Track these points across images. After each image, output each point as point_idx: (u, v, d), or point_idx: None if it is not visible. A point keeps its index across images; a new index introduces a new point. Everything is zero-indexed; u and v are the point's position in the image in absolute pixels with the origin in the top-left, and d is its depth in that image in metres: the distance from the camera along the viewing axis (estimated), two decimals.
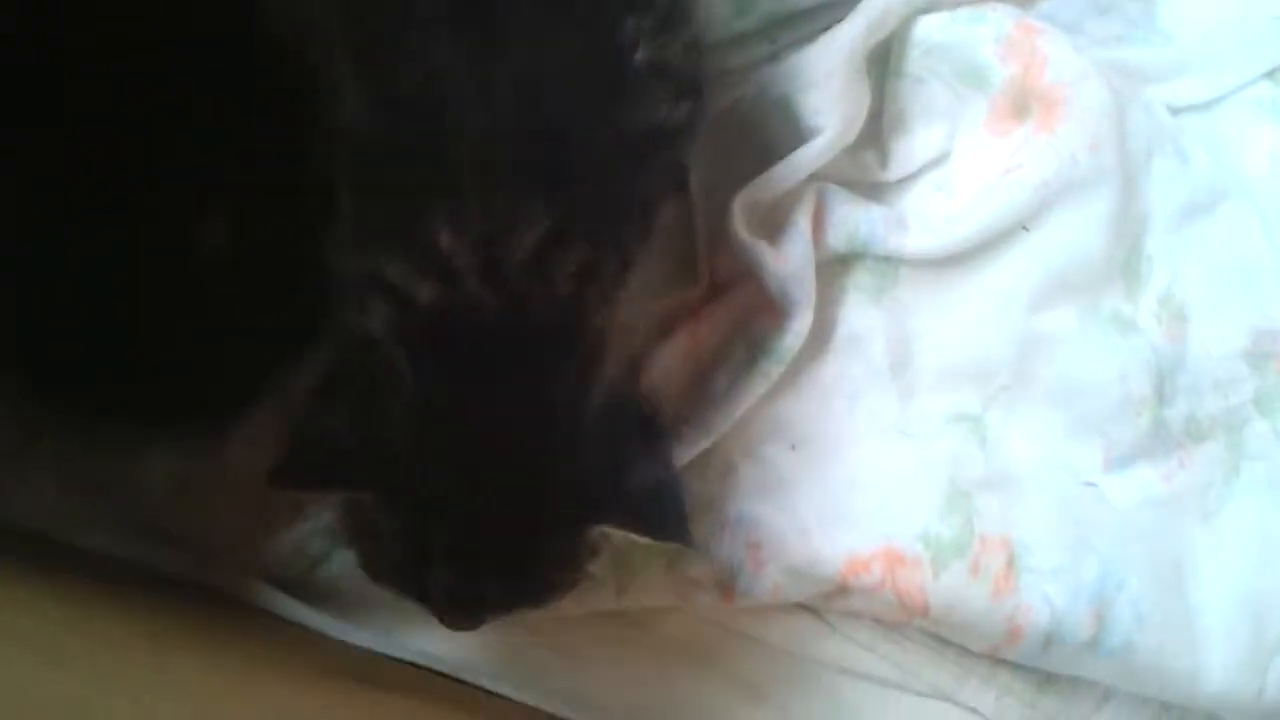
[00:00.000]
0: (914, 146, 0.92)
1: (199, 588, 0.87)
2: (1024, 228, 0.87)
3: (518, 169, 0.66)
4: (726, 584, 0.85)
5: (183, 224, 0.83)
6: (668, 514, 0.69)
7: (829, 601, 0.86)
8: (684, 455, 0.85)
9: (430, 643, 0.85)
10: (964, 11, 0.91)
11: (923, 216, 0.89)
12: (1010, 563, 0.84)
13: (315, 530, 0.87)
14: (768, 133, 0.89)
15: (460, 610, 0.72)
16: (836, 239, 0.88)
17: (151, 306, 0.82)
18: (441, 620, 0.72)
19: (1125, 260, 0.88)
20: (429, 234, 0.66)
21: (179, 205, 0.82)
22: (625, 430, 0.71)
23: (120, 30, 0.80)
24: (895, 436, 0.86)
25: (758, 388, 0.86)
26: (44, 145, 0.79)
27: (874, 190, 0.91)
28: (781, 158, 0.86)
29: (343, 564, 0.86)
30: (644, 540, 0.69)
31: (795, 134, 0.87)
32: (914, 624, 0.86)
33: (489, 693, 0.85)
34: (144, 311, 0.82)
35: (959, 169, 0.91)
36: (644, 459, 0.71)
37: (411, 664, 0.86)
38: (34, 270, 0.81)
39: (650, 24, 0.69)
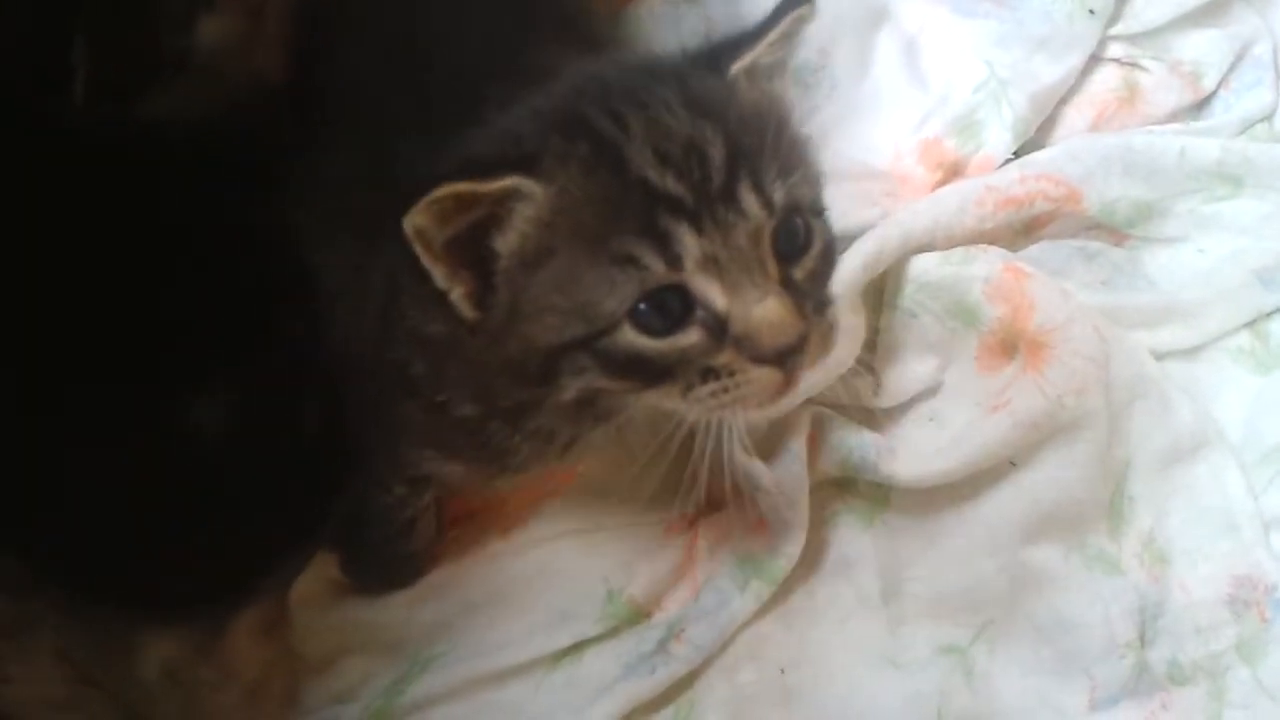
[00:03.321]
0: (906, 377, 0.95)
1: None
2: (1011, 463, 0.90)
3: None
4: None
5: (179, 409, 0.85)
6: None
7: None
8: (672, 672, 0.86)
9: None
10: (956, 253, 0.96)
11: (914, 445, 0.92)
12: None
13: None
14: None
15: None
16: (830, 463, 0.91)
17: (149, 493, 0.84)
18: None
19: (1109, 500, 0.91)
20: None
21: (175, 388, 0.85)
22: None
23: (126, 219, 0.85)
24: (884, 665, 0.87)
25: (749, 607, 0.87)
26: (45, 330, 0.82)
27: (867, 417, 0.94)
28: None
29: None
30: None
31: None
32: None
33: None
34: (142, 498, 0.84)
35: (949, 401, 0.94)
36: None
37: None
38: (32, 453, 0.83)
39: None
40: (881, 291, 0.96)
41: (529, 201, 0.65)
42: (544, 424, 0.74)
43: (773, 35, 0.70)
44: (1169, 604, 0.89)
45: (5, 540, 0.85)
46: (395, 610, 0.93)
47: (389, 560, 0.94)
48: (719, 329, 0.65)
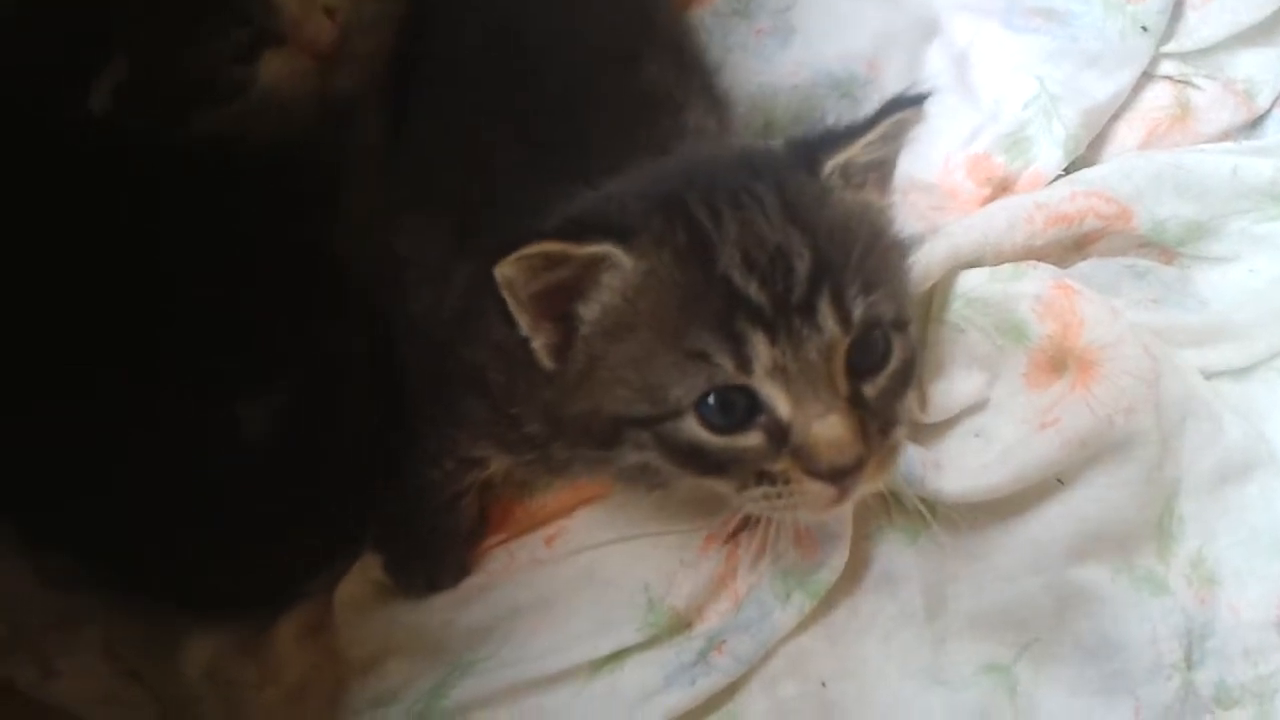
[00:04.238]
0: (952, 392, 0.94)
1: None
2: (1059, 481, 0.89)
3: None
4: None
5: (225, 413, 0.87)
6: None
7: None
8: (713, 684, 0.86)
9: None
10: (1005, 268, 0.95)
11: (960, 461, 0.91)
12: None
13: None
14: None
15: None
16: None
17: (197, 494, 0.85)
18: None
19: (1158, 520, 0.90)
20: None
21: (221, 393, 0.86)
22: None
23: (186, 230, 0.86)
24: (928, 682, 0.87)
25: (791, 620, 0.87)
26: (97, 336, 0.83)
27: (913, 431, 0.94)
28: None
29: None
30: None
31: None
32: None
33: None
34: (190, 499, 0.85)
35: (997, 417, 0.93)
36: None
37: None
38: (89, 455, 0.84)
39: None
40: (929, 306, 0.96)
41: (617, 272, 0.67)
42: None
43: (872, 135, 0.70)
44: (1217, 625, 0.88)
45: (57, 537, 0.87)
46: (438, 613, 0.93)
47: (432, 554, 0.95)
48: (780, 436, 0.66)
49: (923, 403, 0.94)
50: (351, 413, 0.90)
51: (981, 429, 0.93)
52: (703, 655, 0.88)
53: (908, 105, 0.71)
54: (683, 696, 0.86)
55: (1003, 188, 1.04)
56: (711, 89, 0.97)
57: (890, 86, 1.10)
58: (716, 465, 0.68)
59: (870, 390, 0.68)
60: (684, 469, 0.70)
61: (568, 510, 0.96)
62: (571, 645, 0.90)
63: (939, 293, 0.95)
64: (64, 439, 0.82)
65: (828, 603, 0.88)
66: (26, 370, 0.82)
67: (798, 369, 0.65)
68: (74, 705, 0.88)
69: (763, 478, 0.68)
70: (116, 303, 0.82)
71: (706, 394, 0.65)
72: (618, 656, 0.89)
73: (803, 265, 0.65)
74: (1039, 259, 0.98)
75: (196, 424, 0.84)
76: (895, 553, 0.90)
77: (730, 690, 0.87)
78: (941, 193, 1.04)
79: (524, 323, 0.68)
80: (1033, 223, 0.98)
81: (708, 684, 0.86)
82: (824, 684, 0.87)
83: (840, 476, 0.66)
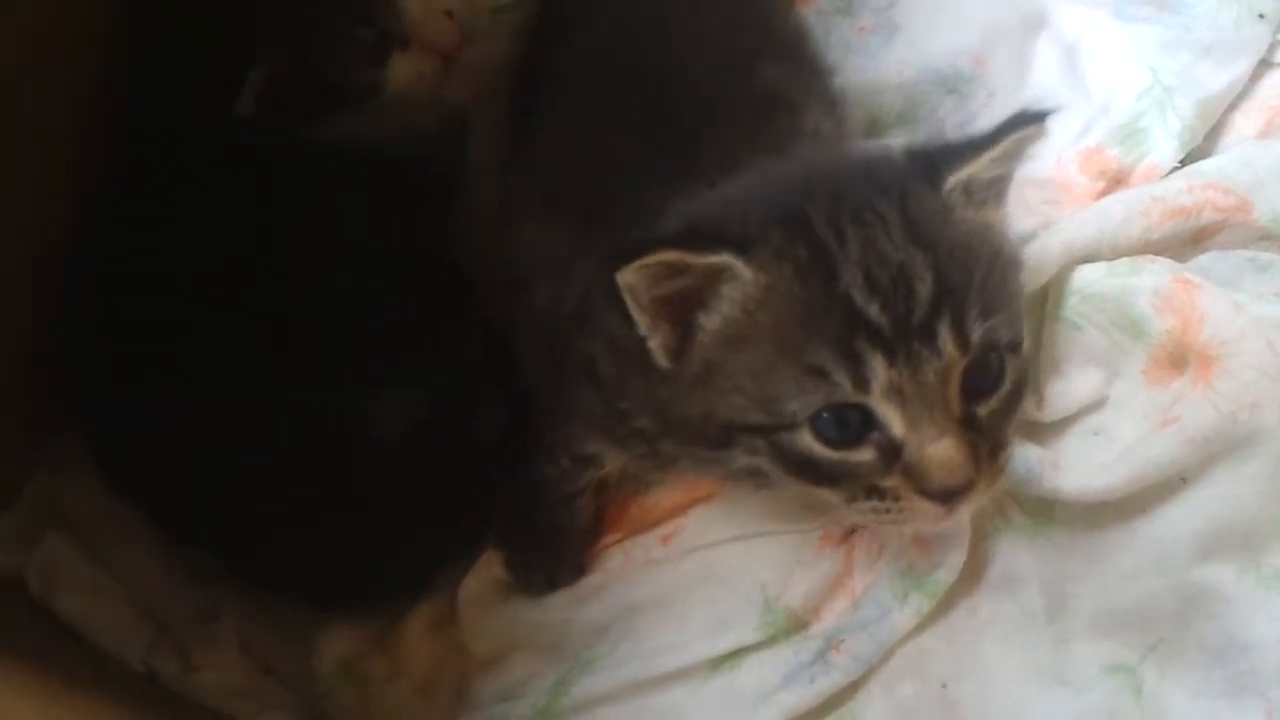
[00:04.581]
0: (1070, 390, 0.94)
1: None
2: (1182, 479, 0.88)
3: None
4: None
5: (361, 412, 0.89)
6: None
7: None
8: (833, 683, 0.86)
9: None
10: (1122, 263, 0.94)
11: (1079, 460, 0.90)
12: None
13: None
14: None
15: None
16: None
17: (333, 491, 0.88)
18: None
19: None
20: None
21: (357, 393, 0.89)
22: None
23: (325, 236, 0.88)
24: (1050, 683, 0.86)
25: (909, 620, 0.87)
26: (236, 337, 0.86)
27: (1030, 430, 0.93)
28: None
29: None
30: None
31: None
32: None
33: None
34: (326, 496, 0.88)
35: (1116, 415, 0.92)
36: None
37: None
38: (229, 455, 0.88)
39: None
40: (1044, 303, 0.95)
41: (737, 283, 0.67)
42: None
43: (995, 151, 0.70)
44: None
45: (198, 535, 0.90)
46: (557, 611, 0.95)
47: (551, 552, 0.97)
48: (892, 454, 0.67)
49: (1040, 401, 0.93)
50: (479, 411, 0.92)
51: (1100, 427, 0.93)
52: (821, 655, 0.88)
53: (1030, 122, 0.70)
54: (802, 695, 0.87)
55: (1117, 181, 1.03)
56: (828, 89, 0.97)
57: (998, 82, 1.10)
58: (828, 477, 0.69)
59: (983, 411, 0.69)
60: (794, 477, 0.71)
61: (682, 509, 0.97)
62: (689, 644, 0.91)
63: (1054, 289, 0.95)
64: (206, 439, 0.85)
65: (946, 603, 0.88)
66: (170, 369, 0.85)
67: (914, 390, 0.65)
68: (213, 698, 0.91)
69: (872, 492, 0.69)
70: (256, 303, 0.85)
71: (822, 409, 0.66)
72: (735, 655, 0.90)
73: (924, 288, 0.65)
74: (1156, 253, 0.96)
75: (333, 423, 0.86)
76: (1014, 552, 0.89)
77: (850, 690, 0.88)
78: (1055, 187, 1.02)
79: (642, 323, 0.69)
80: (1149, 216, 0.97)
81: (827, 683, 0.87)
82: (944, 685, 0.87)
83: (949, 497, 0.67)
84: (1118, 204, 0.99)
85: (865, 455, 0.68)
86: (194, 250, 0.88)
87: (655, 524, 0.98)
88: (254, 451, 0.85)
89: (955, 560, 0.88)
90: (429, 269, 0.92)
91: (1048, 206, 1.02)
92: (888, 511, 0.69)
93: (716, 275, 0.67)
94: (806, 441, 0.68)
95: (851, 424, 0.67)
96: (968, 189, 0.71)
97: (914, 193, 0.69)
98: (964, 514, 0.70)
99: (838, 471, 0.69)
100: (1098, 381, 0.93)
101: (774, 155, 0.78)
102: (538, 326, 0.86)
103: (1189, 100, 1.05)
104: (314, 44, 0.86)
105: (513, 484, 0.96)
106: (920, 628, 0.88)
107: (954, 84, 1.12)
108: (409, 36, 0.90)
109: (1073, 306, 0.94)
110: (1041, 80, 1.10)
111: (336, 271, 0.87)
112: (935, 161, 0.70)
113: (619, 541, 0.99)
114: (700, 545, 0.95)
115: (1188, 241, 0.99)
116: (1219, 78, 1.06)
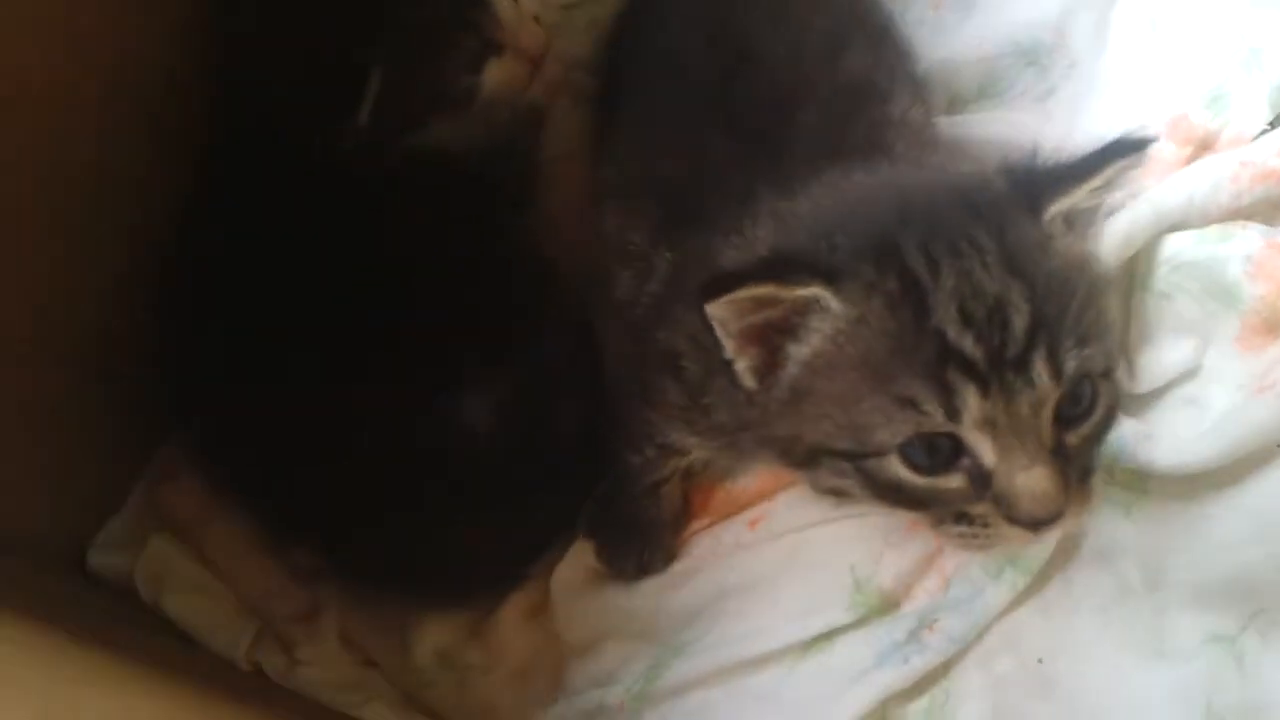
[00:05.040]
0: (1162, 360, 0.92)
1: None
2: (1278, 446, 0.86)
3: None
4: None
5: (453, 409, 0.91)
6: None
7: None
8: (927, 661, 0.86)
9: None
10: (1212, 230, 0.92)
11: (1173, 431, 0.89)
12: None
13: (572, 711, 0.90)
14: None
15: None
16: None
17: (429, 486, 0.90)
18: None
19: None
20: None
21: (448, 390, 0.90)
22: None
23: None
24: (1149, 655, 0.85)
25: (1003, 597, 0.86)
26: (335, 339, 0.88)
27: (1123, 402, 0.91)
28: None
29: None
30: None
31: None
32: None
33: None
34: (423, 491, 0.90)
35: (1210, 384, 0.90)
36: None
37: None
38: (330, 452, 0.90)
39: None
40: (1133, 274, 0.94)
41: (826, 315, 0.67)
42: None
43: (1096, 180, 0.69)
44: None
45: (299, 532, 0.93)
46: (649, 598, 0.96)
47: (640, 540, 0.98)
48: (982, 481, 0.67)
49: (1132, 373, 0.92)
50: (567, 403, 0.93)
51: (1194, 397, 0.91)
52: (914, 634, 0.88)
53: (1131, 150, 0.69)
54: (897, 675, 0.87)
55: (1204, 147, 1.00)
56: (914, 74, 0.97)
57: (1079, 51, 1.08)
58: (916, 501, 0.69)
59: (1073, 439, 0.68)
60: (881, 500, 0.70)
61: (769, 494, 0.98)
62: (780, 626, 0.91)
63: (1143, 259, 0.93)
64: (305, 440, 0.87)
65: (1041, 577, 0.87)
66: (269, 371, 0.88)
67: (1006, 421, 0.65)
68: (318, 691, 0.94)
69: (961, 517, 0.68)
70: (352, 305, 0.87)
71: (911, 438, 0.66)
72: (828, 636, 0.91)
73: (1020, 320, 0.64)
74: (1246, 218, 0.94)
75: (426, 419, 0.88)
76: (1109, 526, 0.88)
77: (945, 667, 0.88)
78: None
79: (730, 348, 0.69)
80: (1238, 181, 0.94)
81: (921, 662, 0.87)
82: (1040, 661, 0.86)
83: (1038, 525, 0.67)
84: (1206, 170, 0.96)
85: (955, 482, 0.67)
86: (290, 254, 0.90)
87: (743, 509, 0.98)
88: (352, 450, 0.88)
89: (1050, 535, 0.86)
90: (510, 264, 0.93)
91: (1135, 176, 1.00)
92: (975, 536, 0.69)
93: (806, 307, 0.67)
94: (895, 468, 0.67)
95: (942, 451, 0.67)
96: (1068, 219, 0.70)
97: (1013, 221, 0.68)
98: (1052, 537, 0.69)
99: (926, 497, 0.68)
100: (1190, 350, 0.91)
101: (863, 145, 0.78)
102: (618, 316, 0.87)
103: (1276, 61, 1.02)
104: (422, 53, 0.88)
105: (602, 473, 0.97)
106: (1015, 603, 0.88)
107: (1034, 56, 1.10)
108: (504, 43, 0.92)
109: (1163, 276, 0.92)
110: (1122, 47, 1.07)
111: (425, 272, 0.89)
112: (1037, 190, 0.69)
113: (708, 527, 0.99)
114: (788, 530, 0.96)
115: (1278, 206, 0.96)
116: None
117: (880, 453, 0.67)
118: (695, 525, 1.00)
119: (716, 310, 0.66)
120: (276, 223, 0.90)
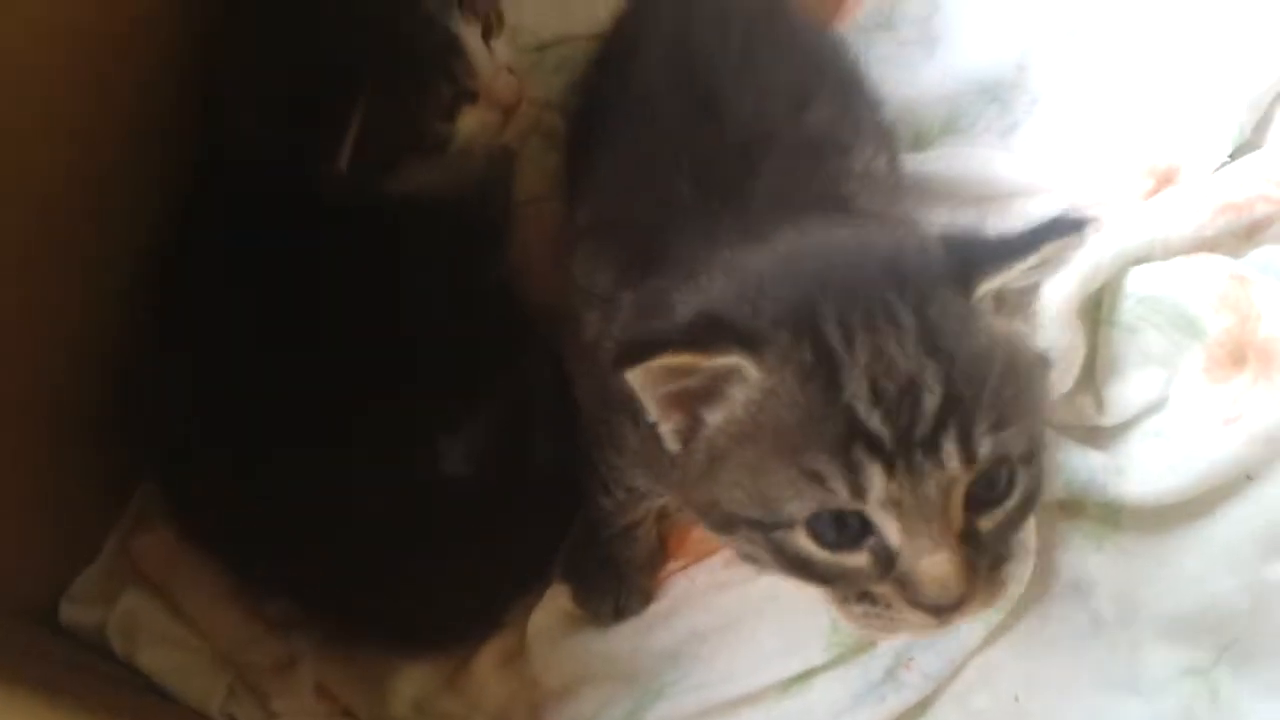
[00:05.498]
0: (1130, 393, 0.92)
1: None
2: (1248, 477, 0.87)
3: None
4: None
5: (427, 451, 0.91)
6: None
7: None
8: (904, 700, 0.86)
9: None
10: (1176, 263, 0.93)
11: (1142, 464, 0.89)
12: None
13: None
14: None
15: None
16: (1056, 485, 0.89)
17: (403, 531, 0.90)
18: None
19: None
20: None
21: (423, 431, 0.90)
22: None
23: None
24: (1124, 691, 0.85)
25: (978, 634, 0.87)
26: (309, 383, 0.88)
27: (1092, 436, 0.92)
28: None
29: None
30: None
31: None
32: None
33: None
34: (397, 535, 0.90)
35: (1178, 416, 0.91)
36: None
37: None
38: (303, 503, 0.90)
39: None
40: (1099, 307, 0.94)
41: (744, 384, 0.66)
42: None
43: (1032, 259, 0.66)
44: None
45: (273, 582, 0.92)
46: (627, 640, 0.96)
47: (616, 582, 0.98)
48: (887, 562, 0.65)
49: (1100, 405, 0.93)
50: (540, 446, 0.94)
51: (1162, 429, 0.91)
52: (891, 673, 0.88)
53: (1068, 230, 0.66)
54: (874, 714, 0.87)
55: (1166, 179, 1.02)
56: (881, 125, 0.97)
57: (1040, 87, 1.09)
58: (820, 576, 0.67)
59: (986, 524, 0.66)
60: (788, 572, 0.69)
61: None
62: (759, 666, 0.92)
63: (1109, 293, 0.94)
64: (280, 488, 0.87)
65: (1015, 614, 0.88)
66: (242, 419, 0.88)
67: (913, 502, 0.63)
68: None
69: (864, 596, 0.67)
70: (327, 350, 0.87)
71: (818, 513, 0.65)
72: (805, 677, 0.91)
73: (932, 400, 0.62)
74: (1209, 250, 0.95)
75: (402, 464, 0.88)
76: (1081, 560, 0.89)
77: (922, 705, 0.88)
78: (1103, 190, 1.02)
79: (653, 412, 0.68)
80: (1201, 214, 0.95)
81: (898, 701, 0.87)
82: (1016, 698, 0.86)
83: (941, 611, 0.65)
84: (1169, 203, 0.97)
85: (859, 560, 0.66)
86: (265, 299, 0.90)
87: (718, 549, 0.98)
88: (328, 497, 0.87)
89: (1023, 571, 0.87)
90: (485, 306, 0.94)
91: (1098, 210, 1.01)
92: (878, 617, 0.67)
93: (727, 375, 0.66)
94: (801, 541, 0.66)
95: (850, 526, 0.65)
96: (999, 297, 0.68)
97: (938, 296, 0.66)
98: (957, 625, 0.68)
99: (831, 573, 0.67)
100: (1157, 382, 0.92)
101: (823, 200, 0.78)
102: (586, 358, 0.87)
103: (1236, 95, 1.03)
104: (400, 100, 0.89)
105: (575, 516, 0.97)
106: (990, 640, 0.88)
107: (996, 92, 1.12)
108: (478, 92, 0.93)
109: (1129, 309, 0.93)
110: (1086, 83, 1.09)
111: (402, 316, 0.89)
112: (969, 264, 0.67)
113: (683, 568, 0.99)
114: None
115: (1241, 237, 0.97)
116: (1266, 71, 1.04)
117: (789, 525, 0.65)
118: (671, 566, 1.00)
119: (634, 378, 0.65)
120: (248, 267, 0.90)
